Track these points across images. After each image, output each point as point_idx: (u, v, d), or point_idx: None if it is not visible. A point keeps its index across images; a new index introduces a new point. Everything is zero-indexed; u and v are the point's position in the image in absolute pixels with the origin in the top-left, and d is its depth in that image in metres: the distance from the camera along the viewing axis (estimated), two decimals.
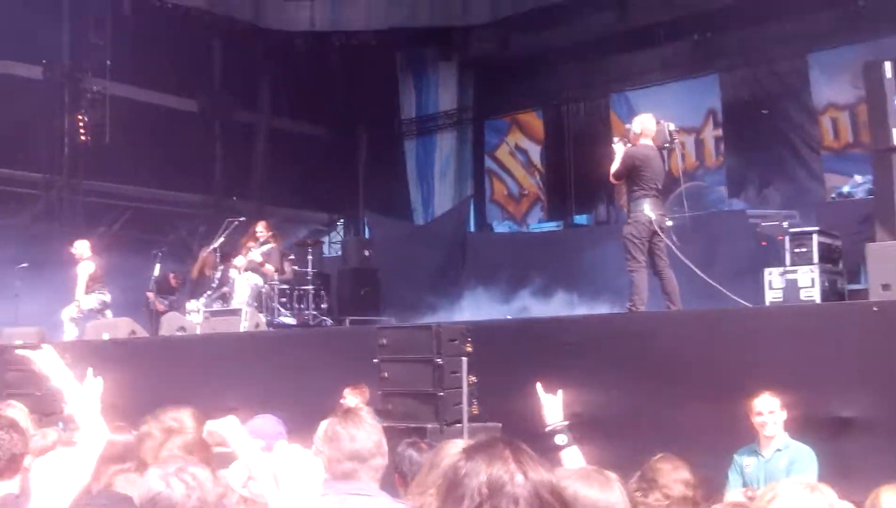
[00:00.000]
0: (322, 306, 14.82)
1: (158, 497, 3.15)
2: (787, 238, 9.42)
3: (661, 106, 16.24)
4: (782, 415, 6.19)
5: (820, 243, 9.19)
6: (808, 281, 8.82)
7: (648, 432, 7.10)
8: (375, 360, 7.83)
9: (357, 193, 23.07)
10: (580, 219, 18.64)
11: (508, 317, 12.10)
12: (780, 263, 9.24)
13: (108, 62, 19.63)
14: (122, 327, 12.39)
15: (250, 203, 21.23)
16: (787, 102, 16.85)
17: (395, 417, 7.45)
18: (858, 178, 14.72)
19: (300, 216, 23.00)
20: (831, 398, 6.53)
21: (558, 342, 8.10)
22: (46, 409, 8.40)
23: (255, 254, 13.43)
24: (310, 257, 15.10)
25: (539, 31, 19.04)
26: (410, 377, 7.62)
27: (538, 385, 4.37)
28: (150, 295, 15.45)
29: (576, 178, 19.42)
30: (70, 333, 13.11)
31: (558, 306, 13.44)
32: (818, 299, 8.72)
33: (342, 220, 24.34)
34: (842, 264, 9.62)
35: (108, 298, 13.57)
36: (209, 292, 13.87)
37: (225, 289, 13.61)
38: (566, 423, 4.20)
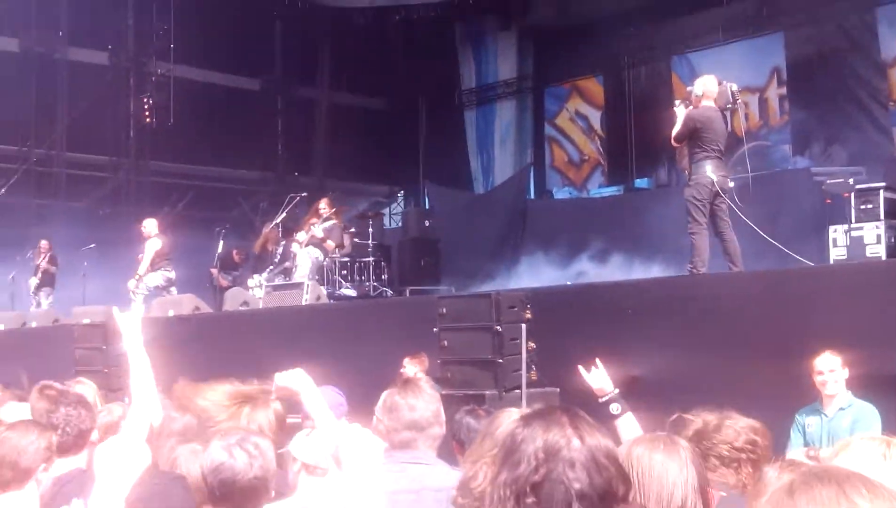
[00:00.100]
0: (382, 277, 14.90)
1: (221, 467, 3.21)
2: (852, 195, 9.22)
3: (723, 66, 16.03)
4: (844, 374, 6.08)
5: (886, 199, 9.00)
6: (874, 238, 8.65)
7: (709, 394, 6.97)
8: (435, 329, 7.85)
9: (417, 164, 23.14)
10: (641, 183, 18.43)
11: (568, 283, 12.04)
12: (846, 220, 9.06)
13: (172, 45, 19.92)
14: (186, 303, 12.57)
15: (312, 178, 21.46)
16: (854, 57, 16.44)
17: (454, 385, 7.47)
18: None
19: (361, 189, 23.16)
20: (895, 354, 6.39)
21: (618, 307, 8.03)
22: (113, 385, 8.59)
23: (318, 229, 13.54)
24: (370, 230, 15.19)
25: None
26: (470, 344, 7.63)
27: (580, 368, 4.39)
28: (214, 271, 15.68)
29: (636, 142, 19.22)
30: (137, 309, 13.36)
31: (617, 270, 13.35)
32: (884, 256, 8.54)
33: (402, 192, 24.45)
34: None
35: (173, 275, 13.80)
36: (271, 267, 14.02)
37: (287, 264, 13.75)
38: (617, 391, 4.20)
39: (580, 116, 20.79)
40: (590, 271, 13.65)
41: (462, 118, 22.25)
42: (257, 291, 13.13)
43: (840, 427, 5.91)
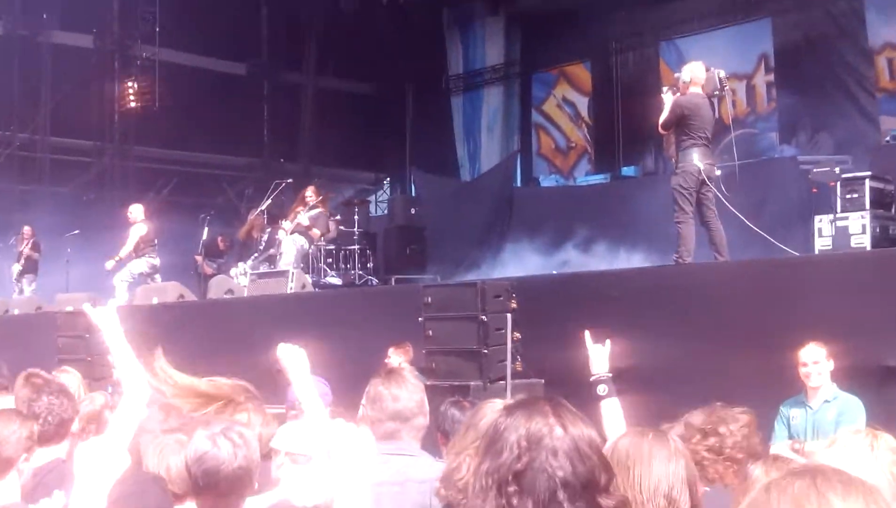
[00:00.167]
0: (368, 265, 14.85)
1: (205, 457, 3.18)
2: (838, 184, 9.22)
3: (711, 53, 16.02)
4: (828, 366, 6.05)
5: (872, 189, 9.00)
6: (859, 228, 8.65)
7: (694, 384, 7.03)
8: (420, 319, 7.83)
9: (404, 151, 23.07)
10: (628, 171, 18.40)
11: (554, 272, 12.04)
12: (832, 210, 9.06)
13: (157, 28, 19.78)
14: (170, 291, 12.52)
15: (297, 165, 21.39)
16: (841, 44, 16.43)
17: (438, 375, 7.47)
18: None
19: (347, 176, 23.11)
20: (880, 346, 6.40)
21: (604, 296, 8.03)
22: (96, 374, 8.56)
23: (303, 217, 13.49)
24: (356, 217, 15.13)
25: None
26: (455, 334, 7.63)
27: (587, 334, 4.35)
28: (199, 259, 15.62)
29: (624, 129, 19.18)
30: (121, 297, 13.31)
31: (602, 259, 13.34)
32: (869, 246, 8.54)
33: (388, 179, 24.38)
34: (894, 210, 9.40)
35: (157, 261, 13.75)
36: (256, 255, 13.98)
37: (272, 251, 13.70)
38: (610, 375, 4.19)
39: (567, 103, 20.73)
40: (576, 259, 13.63)
41: (449, 104, 22.15)
42: (242, 279, 13.09)
43: (825, 420, 5.90)
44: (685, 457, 2.70)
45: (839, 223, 8.73)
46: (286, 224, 13.56)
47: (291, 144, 22.28)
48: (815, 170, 10.64)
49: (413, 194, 21.85)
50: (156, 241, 13.89)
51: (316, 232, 13.51)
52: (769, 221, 10.18)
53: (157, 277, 13.71)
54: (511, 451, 2.05)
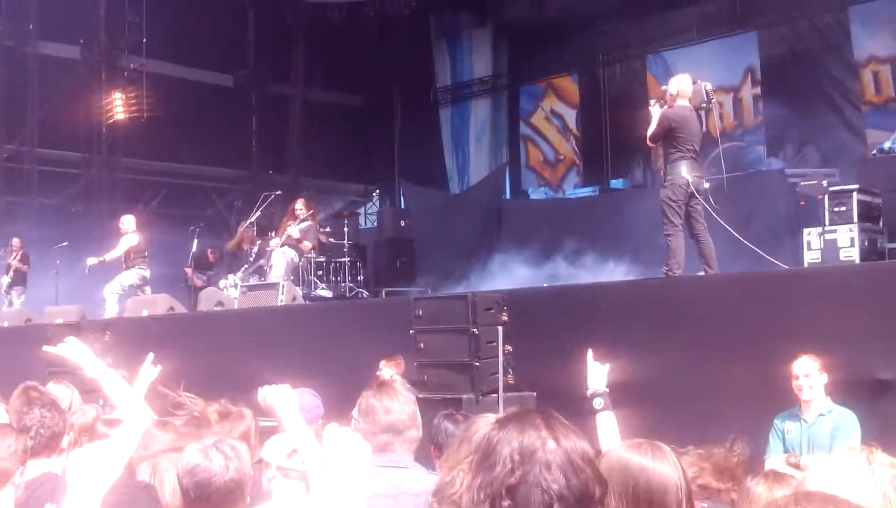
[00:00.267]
0: (358, 278, 14.84)
1: (197, 469, 3.19)
2: (826, 197, 9.27)
3: (698, 65, 16.09)
4: (821, 378, 6.02)
5: (860, 202, 9.05)
6: (847, 241, 8.70)
7: (686, 396, 7.06)
8: (411, 331, 7.83)
9: (392, 163, 23.10)
10: (616, 183, 18.48)
11: (544, 285, 12.05)
12: (820, 223, 9.10)
13: (144, 40, 19.74)
14: (160, 303, 12.49)
15: (286, 176, 21.38)
16: (827, 57, 16.56)
17: (430, 388, 7.45)
18: None
19: (336, 188, 23.10)
20: (871, 360, 6.41)
21: (594, 309, 8.05)
22: (87, 387, 8.48)
23: (294, 230, 13.48)
24: (346, 229, 15.13)
25: None
26: (446, 347, 7.62)
27: (589, 353, 4.37)
28: (188, 271, 15.59)
29: (612, 141, 19.27)
30: (111, 309, 13.27)
31: (591, 271, 13.37)
32: (857, 259, 8.58)
33: (378, 191, 24.38)
34: (882, 223, 9.44)
35: (147, 273, 13.71)
36: (246, 267, 13.96)
37: (261, 263, 13.69)
38: (606, 391, 4.21)
39: (555, 115, 20.80)
40: (565, 271, 13.65)
41: (437, 116, 22.20)
42: (232, 291, 13.07)
43: (820, 434, 5.88)
44: (682, 470, 2.70)
45: (828, 236, 8.78)
46: (275, 241, 13.56)
47: (280, 155, 22.27)
48: (802, 183, 10.69)
49: (402, 206, 21.86)
50: (146, 252, 13.85)
51: (307, 244, 13.50)
52: (757, 233, 10.22)
53: (147, 289, 13.67)
54: (504, 465, 2.04)
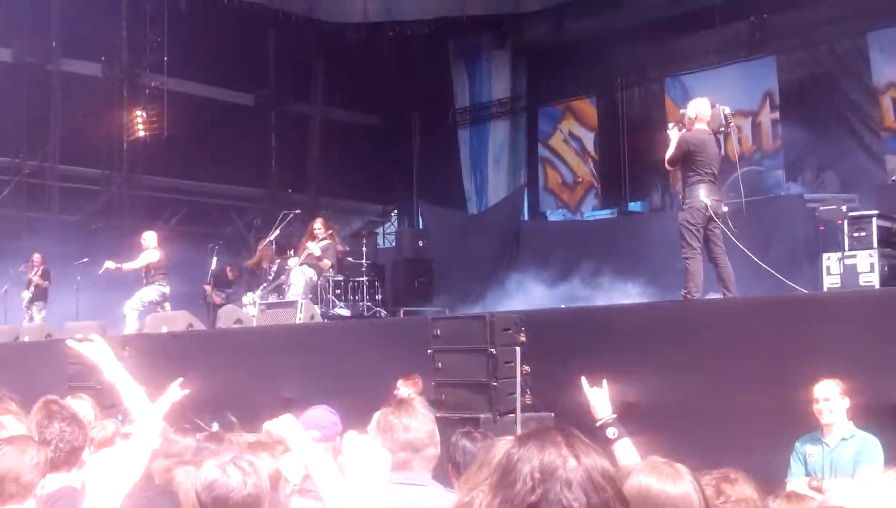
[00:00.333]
0: (376, 297, 14.87)
1: (215, 484, 3.20)
2: (845, 222, 9.24)
3: (716, 90, 16.10)
4: (843, 403, 5.97)
5: (879, 227, 9.03)
6: (867, 266, 8.67)
7: (705, 420, 7.04)
8: (429, 351, 7.83)
9: (411, 183, 23.16)
10: (634, 206, 18.49)
11: (562, 306, 12.04)
12: (839, 248, 9.08)
13: (166, 58, 19.91)
14: (179, 320, 12.55)
15: (305, 195, 21.48)
16: (846, 83, 16.56)
17: (448, 407, 7.45)
18: None
19: (355, 208, 23.18)
20: (892, 385, 6.39)
21: (613, 331, 8.03)
22: (106, 402, 8.51)
23: (314, 247, 13.53)
24: (364, 249, 15.18)
25: (592, 16, 18.88)
26: (464, 367, 7.61)
27: (583, 380, 4.33)
28: (208, 288, 15.65)
29: (630, 164, 19.30)
30: (131, 325, 13.34)
31: (608, 293, 13.36)
32: (877, 285, 8.55)
33: (396, 211, 24.44)
34: None
35: (167, 289, 13.76)
36: (265, 285, 14.01)
37: (281, 280, 13.74)
38: (615, 416, 4.16)
39: (574, 138, 20.83)
40: (582, 293, 13.65)
41: (456, 137, 22.27)
42: (251, 308, 13.11)
43: (842, 459, 5.84)
44: (699, 490, 2.70)
45: (847, 261, 8.75)
46: (293, 260, 13.61)
47: (299, 174, 22.38)
48: (821, 208, 10.67)
49: (420, 226, 21.91)
50: (166, 269, 13.92)
51: (326, 262, 13.54)
52: (776, 258, 10.21)
53: (167, 305, 13.73)
54: (525, 483, 2.02)
